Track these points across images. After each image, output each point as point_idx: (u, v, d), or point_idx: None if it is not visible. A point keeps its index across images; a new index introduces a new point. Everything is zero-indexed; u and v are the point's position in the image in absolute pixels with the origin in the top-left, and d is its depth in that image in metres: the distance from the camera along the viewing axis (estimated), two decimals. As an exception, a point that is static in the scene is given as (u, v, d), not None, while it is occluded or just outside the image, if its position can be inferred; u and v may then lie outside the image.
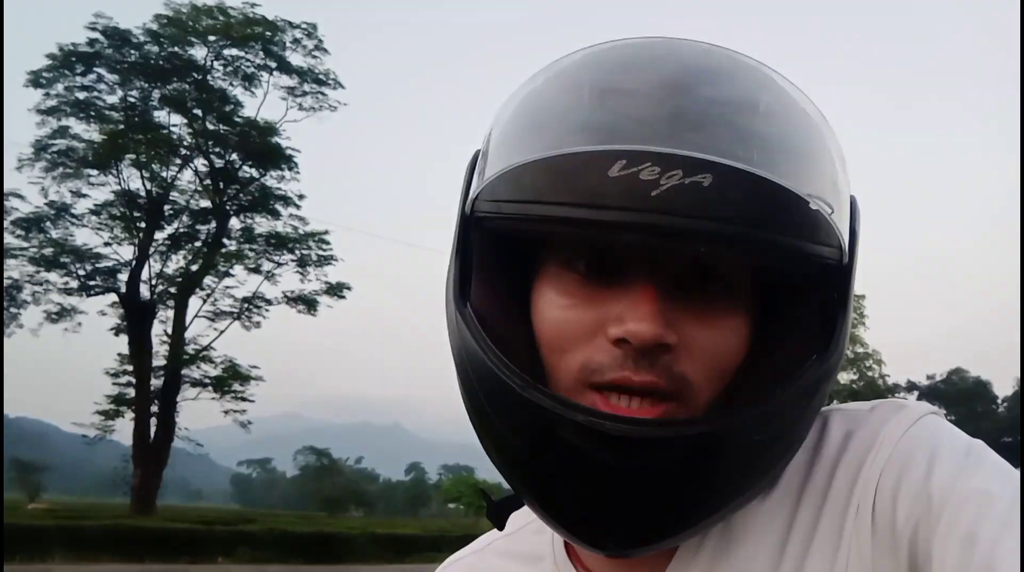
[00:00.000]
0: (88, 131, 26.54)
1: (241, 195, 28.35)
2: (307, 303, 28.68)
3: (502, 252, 0.61)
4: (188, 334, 27.21)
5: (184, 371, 26.99)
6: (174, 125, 27.48)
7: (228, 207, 28.02)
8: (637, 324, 0.53)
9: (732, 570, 0.61)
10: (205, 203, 28.08)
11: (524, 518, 0.73)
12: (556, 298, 0.58)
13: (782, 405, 0.56)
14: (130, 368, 26.56)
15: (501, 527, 0.69)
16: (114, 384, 27.37)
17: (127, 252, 27.10)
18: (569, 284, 0.58)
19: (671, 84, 0.55)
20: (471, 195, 0.61)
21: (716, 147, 0.51)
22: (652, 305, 0.54)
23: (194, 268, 27.36)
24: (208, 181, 27.75)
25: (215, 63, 27.64)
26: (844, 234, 0.57)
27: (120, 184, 26.87)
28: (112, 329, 27.09)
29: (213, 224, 27.97)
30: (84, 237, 29.88)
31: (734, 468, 0.55)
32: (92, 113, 26.35)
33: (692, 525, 0.57)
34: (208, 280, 27.82)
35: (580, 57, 0.60)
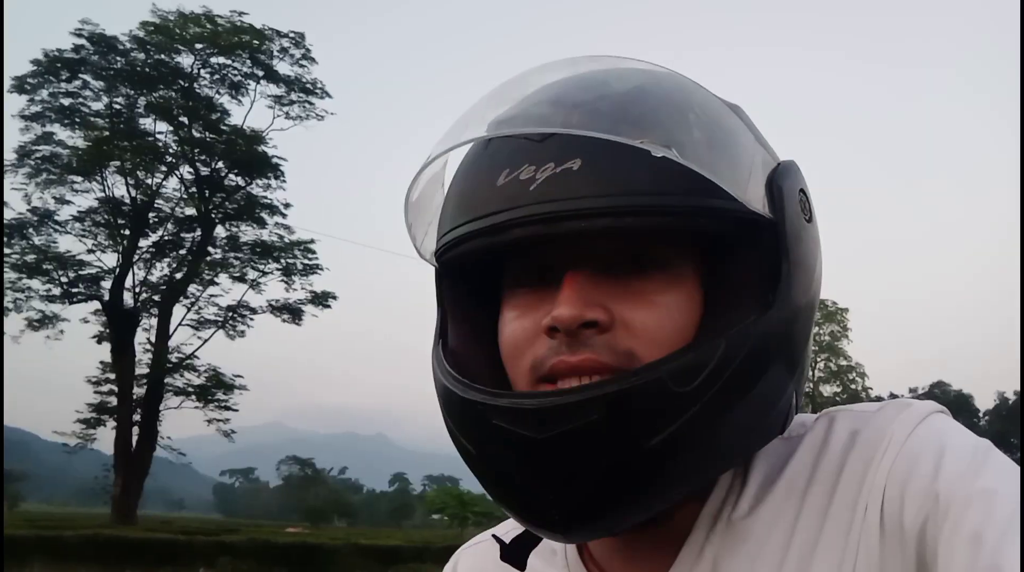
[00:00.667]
0: (73, 137, 26.50)
1: (227, 203, 28.29)
2: (292, 312, 28.63)
3: (470, 291, 0.67)
4: (172, 342, 27.13)
5: (167, 380, 26.85)
6: (160, 132, 27.49)
7: (213, 215, 27.94)
8: (559, 308, 0.56)
9: (738, 566, 0.61)
10: (190, 211, 28.03)
11: None
12: (509, 314, 0.63)
13: (704, 358, 0.55)
14: (112, 376, 26.39)
15: (522, 567, 0.68)
16: (96, 392, 27.26)
17: (111, 259, 27.05)
18: (518, 298, 0.62)
19: (555, 91, 0.60)
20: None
21: (568, 122, 0.55)
22: (572, 290, 0.57)
23: (178, 276, 27.26)
24: (193, 189, 27.68)
25: (202, 71, 27.66)
26: (752, 188, 0.58)
27: (104, 191, 26.83)
28: (95, 337, 26.94)
29: (198, 232, 27.89)
30: (67, 244, 29.75)
31: (661, 427, 0.54)
32: (77, 119, 26.27)
33: (633, 497, 0.56)
34: (192, 288, 27.77)
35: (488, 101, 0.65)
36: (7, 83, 25.62)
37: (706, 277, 0.60)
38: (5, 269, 25.36)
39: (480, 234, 0.59)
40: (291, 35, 27.80)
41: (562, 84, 0.61)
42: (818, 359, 50.40)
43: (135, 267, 26.99)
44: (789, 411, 0.63)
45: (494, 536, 0.72)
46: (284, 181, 28.41)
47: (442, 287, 0.68)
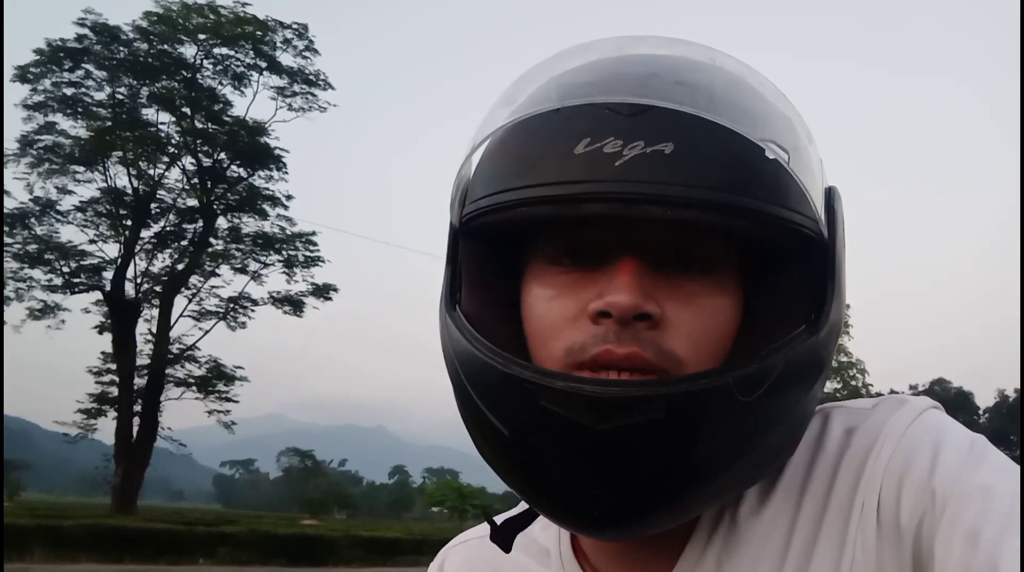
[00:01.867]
0: (75, 127, 26.41)
1: (229, 194, 28.24)
2: (293, 304, 28.58)
3: (489, 258, 0.63)
4: (173, 333, 27.09)
5: (168, 370, 26.84)
6: (162, 123, 27.38)
7: (215, 206, 27.89)
8: (615, 294, 0.54)
9: (740, 568, 0.61)
10: (192, 202, 27.96)
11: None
12: (541, 292, 0.59)
13: (768, 369, 0.54)
14: (113, 367, 26.38)
15: (508, 550, 0.67)
16: (97, 383, 27.26)
17: (112, 250, 27.00)
18: (553, 277, 0.59)
19: (631, 68, 0.57)
20: (457, 205, 0.63)
21: (670, 97, 0.53)
22: (631, 277, 0.54)
23: (180, 267, 27.24)
24: (196, 180, 27.61)
25: (205, 62, 27.57)
26: (818, 208, 0.57)
27: (107, 181, 26.77)
28: (96, 327, 26.94)
29: (200, 223, 27.83)
30: (69, 234, 29.65)
31: (719, 433, 0.53)
32: (79, 109, 26.20)
33: (676, 499, 0.55)
34: (194, 279, 27.74)
35: (546, 65, 0.62)
36: (9, 73, 25.61)
37: (748, 285, 0.59)
38: (7, 259, 25.38)
39: (550, 201, 0.54)
40: (294, 26, 27.70)
41: (659, 61, 0.58)
42: (818, 355, 50.24)
43: (137, 258, 26.99)
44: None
45: (489, 520, 0.70)
46: (286, 173, 28.34)
47: (458, 247, 0.63)
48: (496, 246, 0.62)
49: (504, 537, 0.67)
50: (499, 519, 0.70)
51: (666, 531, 0.61)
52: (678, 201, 0.52)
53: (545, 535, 0.72)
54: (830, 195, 0.61)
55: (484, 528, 0.78)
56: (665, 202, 0.52)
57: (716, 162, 0.53)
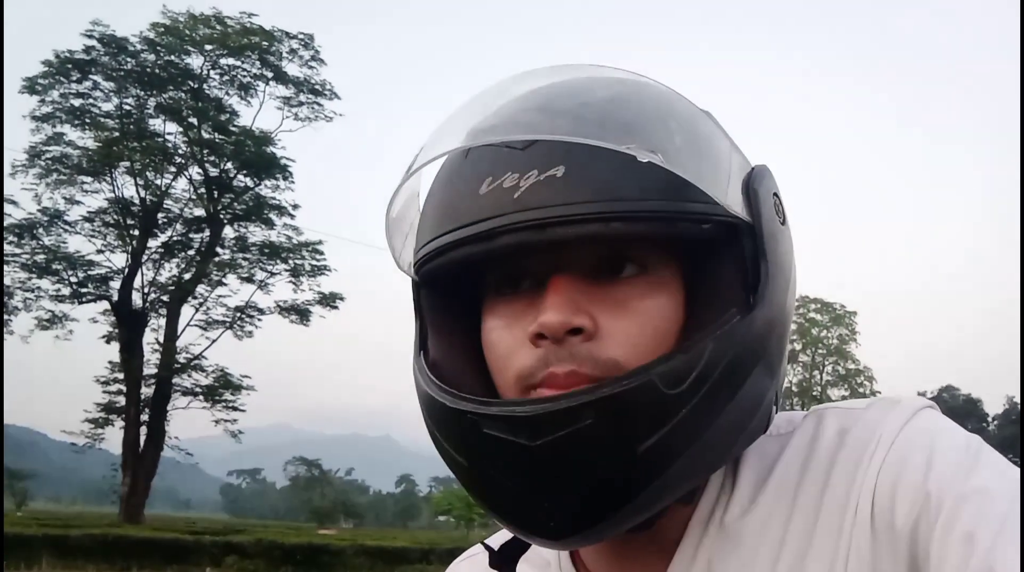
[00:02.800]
0: (83, 138, 26.60)
1: (235, 204, 28.35)
2: (300, 313, 28.66)
3: (448, 301, 0.66)
4: (180, 343, 27.19)
5: (175, 380, 26.91)
6: (169, 133, 27.58)
7: (222, 216, 28.00)
8: (545, 314, 0.56)
9: (733, 569, 0.61)
10: (199, 212, 28.12)
11: None
12: (492, 323, 0.62)
13: (693, 359, 0.55)
14: (121, 376, 26.48)
15: None
16: (104, 392, 27.36)
17: (120, 260, 27.14)
18: (500, 307, 0.62)
19: (538, 98, 0.60)
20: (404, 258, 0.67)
21: (553, 128, 0.56)
22: (558, 295, 0.57)
23: (187, 276, 27.33)
24: (202, 190, 27.75)
25: (211, 72, 27.75)
26: (733, 193, 0.59)
27: (114, 191, 26.94)
28: (103, 337, 27.03)
29: (207, 233, 27.95)
30: (77, 244, 29.93)
31: (652, 430, 0.54)
32: (87, 120, 26.37)
33: (627, 502, 0.56)
34: (201, 289, 27.80)
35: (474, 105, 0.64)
36: (17, 85, 25.77)
37: (687, 280, 0.60)
38: (15, 269, 25.50)
39: (465, 242, 0.58)
40: (300, 36, 27.87)
41: (543, 92, 0.61)
42: (826, 363, 50.25)
43: (144, 267, 27.11)
44: (771, 410, 0.63)
45: (484, 544, 0.71)
46: (292, 182, 28.48)
47: (420, 298, 0.67)
48: (453, 289, 0.66)
49: (504, 562, 0.68)
50: (498, 539, 0.73)
51: (657, 530, 0.63)
52: (577, 218, 0.55)
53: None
54: (750, 179, 0.62)
55: (490, 541, 0.80)
56: (565, 222, 0.55)
57: (605, 174, 0.55)
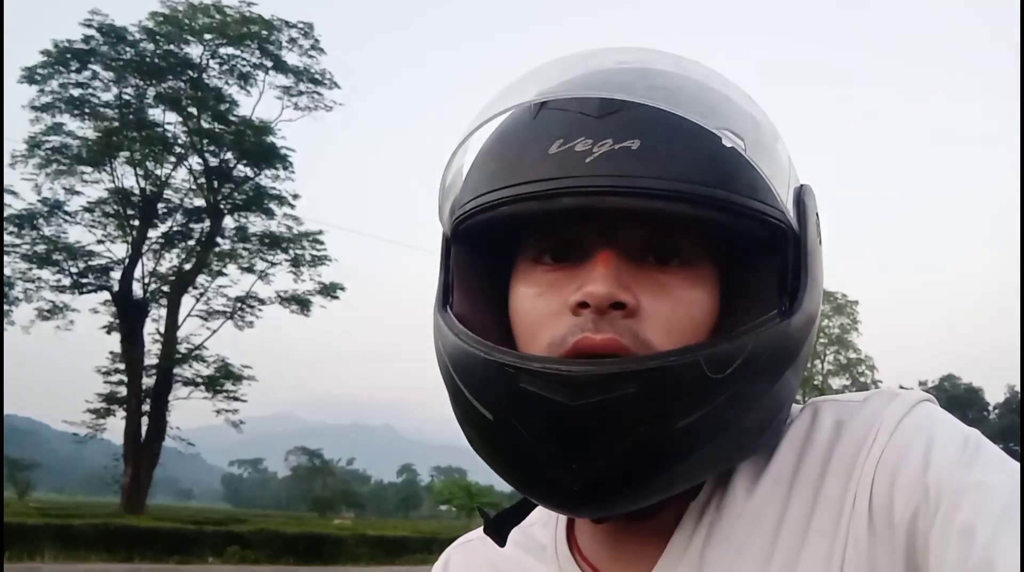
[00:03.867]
0: (82, 128, 26.54)
1: (235, 194, 28.34)
2: (300, 303, 28.67)
3: (479, 262, 0.66)
4: (181, 333, 27.19)
5: (176, 370, 26.94)
6: (169, 123, 27.50)
7: (222, 206, 27.98)
8: (592, 285, 0.56)
9: (725, 559, 0.61)
10: (199, 202, 28.09)
11: (538, 513, 0.74)
12: (526, 290, 0.62)
13: (737, 349, 0.56)
14: (122, 366, 26.50)
15: (502, 543, 0.69)
16: (106, 382, 27.36)
17: (120, 250, 27.11)
18: (537, 275, 0.61)
19: (603, 76, 0.60)
20: (447, 212, 0.66)
21: (648, 95, 0.56)
22: (607, 268, 0.57)
23: (187, 267, 27.33)
24: (202, 179, 27.72)
25: (211, 61, 27.67)
26: (786, 201, 0.60)
27: (114, 181, 26.88)
28: (104, 327, 27.05)
29: (207, 223, 27.94)
30: (77, 234, 29.87)
31: (691, 409, 0.55)
32: (87, 110, 26.32)
33: (653, 476, 0.56)
34: (201, 279, 27.81)
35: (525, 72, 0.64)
36: (16, 75, 25.70)
37: (724, 279, 0.61)
38: (16, 260, 25.50)
39: (527, 198, 0.57)
40: (300, 25, 27.78)
41: (633, 62, 0.61)
42: (827, 352, 50.28)
43: (144, 257, 27.09)
44: (791, 413, 0.65)
45: (480, 510, 0.71)
46: (292, 172, 28.45)
47: (450, 251, 0.67)
48: (485, 250, 0.65)
49: (498, 530, 0.68)
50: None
51: (654, 519, 0.63)
52: (645, 192, 0.55)
53: (543, 532, 0.74)
54: (801, 192, 0.63)
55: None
56: (633, 194, 0.55)
57: (680, 155, 0.56)
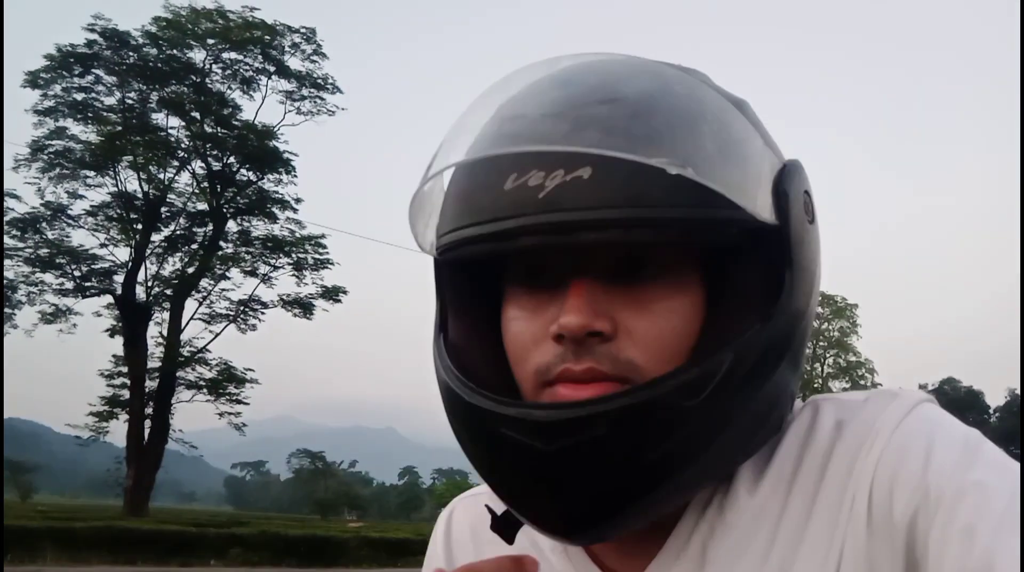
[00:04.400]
0: (85, 132, 26.54)
1: (238, 198, 28.32)
2: (303, 307, 28.63)
3: (470, 284, 0.67)
4: (183, 336, 27.17)
5: (179, 373, 26.91)
6: (172, 127, 27.49)
7: (225, 210, 27.98)
8: (566, 316, 0.56)
9: (725, 554, 0.62)
10: (202, 206, 28.07)
11: None
12: (512, 313, 0.62)
13: (711, 370, 0.55)
14: (125, 369, 26.47)
15: (511, 540, 0.67)
16: (108, 385, 27.35)
17: (123, 254, 27.16)
18: (521, 298, 0.62)
19: (561, 99, 0.58)
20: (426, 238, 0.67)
21: (580, 136, 0.54)
22: (579, 298, 0.57)
23: (190, 270, 27.29)
24: (205, 184, 27.72)
25: (214, 66, 27.68)
26: (764, 197, 0.58)
27: (117, 186, 26.87)
28: (107, 330, 27.04)
29: (210, 227, 27.92)
30: (80, 238, 29.86)
31: (666, 440, 0.55)
32: (90, 114, 26.32)
33: (634, 507, 0.57)
34: (204, 282, 27.79)
35: (501, 87, 0.64)
36: (19, 79, 25.75)
37: (708, 282, 0.60)
38: (19, 263, 25.53)
39: (486, 238, 0.58)
40: (302, 30, 27.78)
41: (570, 88, 0.59)
42: (827, 355, 50.15)
43: (147, 261, 27.08)
44: (787, 410, 0.64)
45: (488, 508, 0.70)
46: (295, 176, 28.45)
47: (442, 279, 0.67)
48: (476, 270, 0.66)
49: (507, 528, 0.67)
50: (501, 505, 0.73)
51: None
52: (600, 223, 0.54)
53: None
54: (782, 177, 0.60)
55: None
56: (590, 226, 0.54)
57: (633, 178, 0.54)
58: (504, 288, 0.64)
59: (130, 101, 26.85)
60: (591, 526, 0.57)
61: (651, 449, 0.55)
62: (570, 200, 0.54)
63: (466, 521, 0.81)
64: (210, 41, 26.93)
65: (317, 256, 28.42)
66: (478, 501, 0.79)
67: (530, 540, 0.72)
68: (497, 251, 0.59)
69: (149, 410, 26.00)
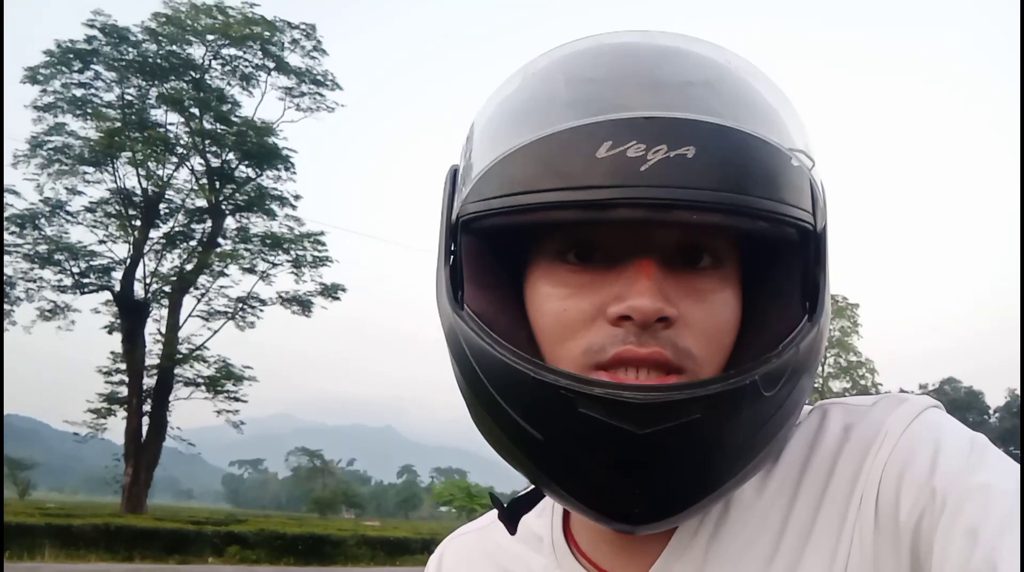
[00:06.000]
0: (85, 128, 26.58)
1: (237, 195, 28.34)
2: (301, 304, 28.66)
3: (490, 254, 0.62)
4: (182, 333, 27.18)
5: (177, 370, 26.93)
6: (171, 124, 27.53)
7: (224, 206, 28.00)
8: (638, 299, 0.54)
9: (729, 555, 0.62)
10: (201, 202, 28.09)
11: None
12: (552, 290, 0.59)
13: (786, 363, 0.56)
14: (123, 366, 26.51)
15: (514, 531, 0.68)
16: (107, 382, 27.40)
17: (122, 250, 27.13)
18: (563, 274, 0.58)
19: (644, 66, 0.58)
20: (457, 202, 0.62)
21: (696, 107, 0.54)
22: (651, 280, 0.55)
23: (189, 267, 27.31)
24: (204, 180, 27.73)
25: (213, 62, 27.71)
26: (808, 196, 0.59)
27: (116, 182, 26.90)
28: (105, 327, 27.05)
29: (209, 223, 27.96)
30: (79, 234, 29.78)
31: (749, 427, 0.55)
32: (89, 110, 26.33)
33: (712, 491, 0.57)
34: (203, 279, 27.79)
35: (553, 56, 0.63)
36: (18, 75, 25.73)
37: (747, 278, 0.61)
38: (18, 259, 25.51)
39: (576, 206, 0.54)
40: (302, 26, 27.82)
41: (670, 58, 0.59)
42: (828, 354, 50.24)
43: (146, 258, 27.10)
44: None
45: (492, 496, 0.72)
46: (294, 173, 28.49)
47: (456, 240, 0.62)
48: (497, 241, 0.61)
49: (512, 518, 0.68)
50: (487, 523, 0.74)
51: None
52: (704, 206, 0.53)
53: (539, 522, 0.73)
54: (813, 180, 0.61)
55: (481, 521, 0.81)
56: (692, 207, 0.53)
57: (734, 164, 0.54)
58: (531, 263, 0.61)
59: (129, 97, 26.87)
60: (664, 514, 0.56)
61: (739, 435, 0.55)
62: (674, 177, 0.52)
63: (457, 563, 0.80)
64: (209, 37, 26.95)
65: (316, 253, 28.48)
66: (468, 541, 0.79)
67: (518, 542, 0.73)
68: (585, 220, 0.55)
69: (147, 407, 26.02)
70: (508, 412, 0.57)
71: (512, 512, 0.68)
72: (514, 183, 0.56)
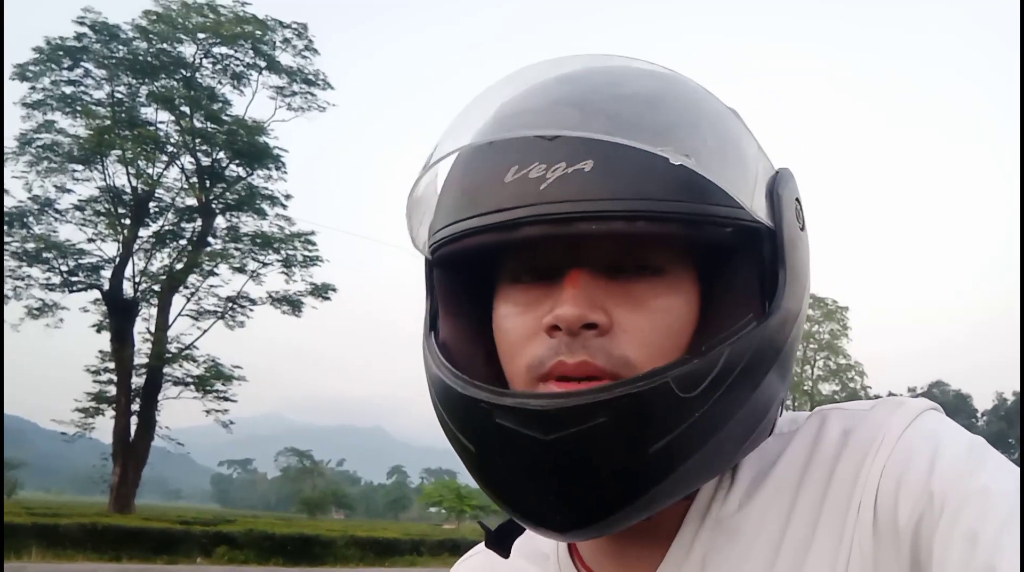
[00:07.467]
0: (74, 126, 26.40)
1: (227, 194, 28.23)
2: (292, 304, 28.56)
3: (462, 283, 0.66)
4: (171, 332, 27.04)
5: (166, 369, 26.81)
6: (161, 122, 27.37)
7: (214, 205, 27.88)
8: (562, 307, 0.56)
9: (728, 563, 0.62)
10: (191, 201, 27.95)
11: None
12: (506, 310, 0.62)
13: (709, 364, 0.56)
14: (112, 365, 26.37)
15: (506, 555, 0.69)
16: (95, 381, 27.20)
17: (111, 249, 26.98)
18: (516, 294, 0.62)
19: (567, 93, 0.60)
20: (420, 236, 0.66)
21: (598, 125, 0.55)
22: (575, 289, 0.57)
23: (178, 266, 27.19)
24: (194, 179, 27.60)
25: (204, 61, 27.60)
26: (757, 196, 0.59)
27: (105, 180, 26.73)
28: (94, 326, 26.91)
29: (198, 222, 27.83)
30: (68, 233, 29.71)
31: (666, 431, 0.55)
32: (78, 108, 26.19)
33: (633, 501, 0.56)
34: (192, 278, 27.67)
35: (491, 87, 0.65)
36: (8, 71, 25.61)
37: (703, 282, 0.61)
38: (6, 257, 25.36)
39: (487, 229, 0.58)
40: (294, 26, 27.74)
41: (576, 82, 0.61)
42: (817, 357, 50.43)
43: (135, 256, 26.96)
44: (777, 413, 0.65)
45: (480, 523, 0.72)
46: (285, 172, 28.38)
47: (433, 277, 0.67)
48: (467, 272, 0.66)
49: (500, 543, 0.69)
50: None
51: (653, 526, 0.64)
52: (602, 215, 0.55)
53: (545, 541, 0.74)
54: (775, 182, 0.62)
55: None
56: (589, 218, 0.55)
57: (634, 172, 0.55)
58: (496, 288, 0.64)
59: (119, 95, 26.75)
60: (587, 521, 0.57)
61: (652, 440, 0.55)
62: (572, 192, 0.55)
63: None
64: (200, 35, 26.84)
65: (306, 253, 28.37)
66: (478, 562, 0.81)
67: (526, 561, 0.73)
68: (498, 242, 0.59)
69: (135, 406, 25.90)
70: (451, 427, 0.61)
71: (499, 537, 0.69)
72: (446, 215, 0.62)
